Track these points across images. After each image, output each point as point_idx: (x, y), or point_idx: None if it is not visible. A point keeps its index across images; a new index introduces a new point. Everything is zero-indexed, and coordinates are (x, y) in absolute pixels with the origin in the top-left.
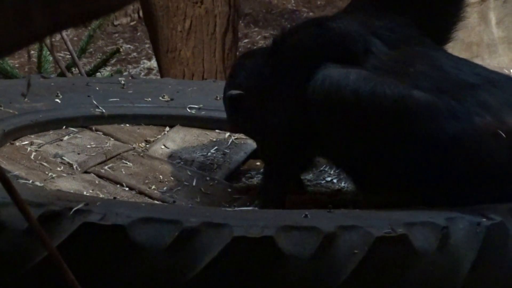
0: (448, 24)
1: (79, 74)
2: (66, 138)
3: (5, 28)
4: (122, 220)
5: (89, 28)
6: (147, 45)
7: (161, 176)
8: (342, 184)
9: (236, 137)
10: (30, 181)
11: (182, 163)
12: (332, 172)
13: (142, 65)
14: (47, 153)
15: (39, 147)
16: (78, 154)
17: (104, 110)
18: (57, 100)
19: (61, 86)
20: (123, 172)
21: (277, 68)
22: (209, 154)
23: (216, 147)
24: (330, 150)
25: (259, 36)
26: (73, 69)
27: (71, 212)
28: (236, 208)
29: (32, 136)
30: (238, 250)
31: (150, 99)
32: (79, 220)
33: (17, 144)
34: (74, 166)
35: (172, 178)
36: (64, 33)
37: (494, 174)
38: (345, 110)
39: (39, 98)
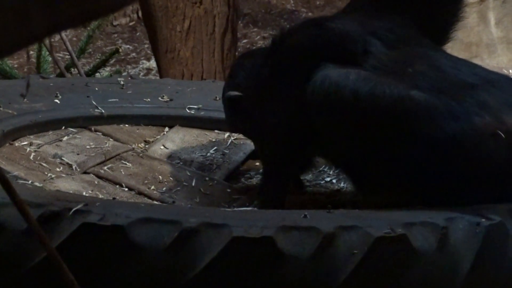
0: (447, 24)
1: (78, 75)
2: (65, 138)
3: (5, 29)
4: (121, 221)
5: (88, 28)
6: (146, 46)
7: (160, 177)
8: (342, 185)
9: (235, 137)
10: (29, 182)
11: (181, 163)
12: (331, 173)
13: (141, 66)
14: (46, 154)
15: (38, 148)
16: (78, 154)
17: (103, 111)
18: (56, 100)
19: (60, 86)
20: (123, 173)
21: (276, 68)
22: (208, 154)
23: (215, 148)
24: (329, 150)
25: (258, 37)
26: (72, 69)
27: (71, 212)
28: (235, 209)
29: (31, 136)
30: (238, 250)
31: (149, 99)
32: (78, 221)
33: (17, 144)
34: (73, 167)
35: (171, 178)
36: (63, 33)
37: (493, 174)
38: (345, 110)
39: (38, 98)
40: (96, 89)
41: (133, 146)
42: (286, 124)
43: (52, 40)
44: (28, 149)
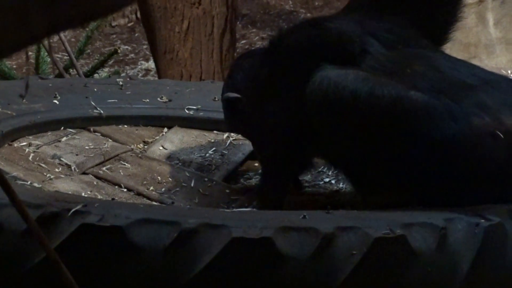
0: (445, 24)
1: (77, 75)
2: (64, 139)
3: (5, 29)
4: (120, 221)
5: (87, 29)
6: (144, 46)
7: (159, 177)
8: (341, 185)
9: (234, 138)
10: (28, 182)
11: (180, 164)
12: (330, 173)
13: (139, 66)
14: (45, 154)
15: (37, 148)
16: (76, 155)
17: (102, 111)
18: (55, 101)
19: (59, 87)
20: (121, 173)
21: (275, 69)
22: (207, 155)
23: (214, 148)
24: (329, 151)
25: (257, 37)
26: (71, 70)
27: (70, 213)
28: (234, 209)
29: (30, 137)
30: (237, 251)
31: (148, 100)
32: (77, 221)
33: (15, 145)
34: (72, 167)
35: (170, 179)
36: (62, 34)
37: (492, 174)
38: (343, 111)
39: (37, 99)
40: (95, 89)
41: (132, 147)
42: (285, 124)
43: (51, 40)
44: (27, 149)
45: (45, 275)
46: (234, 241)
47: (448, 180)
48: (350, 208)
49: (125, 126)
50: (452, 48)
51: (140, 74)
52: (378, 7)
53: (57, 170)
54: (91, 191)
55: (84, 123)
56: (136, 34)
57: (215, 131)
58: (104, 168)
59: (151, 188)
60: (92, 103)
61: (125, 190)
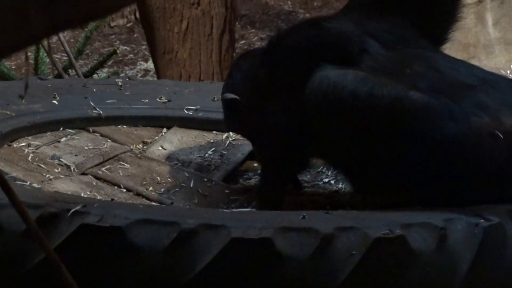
0: (444, 25)
1: (76, 76)
2: (63, 139)
3: (4, 30)
4: (119, 222)
5: (86, 29)
6: (143, 47)
7: (158, 178)
8: (340, 185)
9: (233, 138)
10: (28, 183)
11: (179, 164)
12: (329, 173)
13: (138, 67)
14: (44, 155)
15: (37, 149)
16: (76, 155)
17: (101, 112)
18: (54, 101)
19: (58, 87)
20: (121, 174)
21: (274, 69)
22: (206, 155)
23: (213, 149)
24: (328, 151)
25: (256, 38)
26: (70, 70)
27: (69, 213)
28: (233, 210)
29: (30, 137)
30: (236, 251)
31: (147, 100)
32: (77, 222)
33: (15, 145)
34: (72, 168)
35: (169, 179)
36: (61, 34)
37: (492, 174)
38: (343, 111)
39: (36, 99)
40: (94, 90)
41: (131, 147)
42: (285, 125)
43: (50, 41)
44: (26, 150)
45: (45, 275)
46: (233, 241)
47: (447, 180)
48: (349, 208)
49: (124, 126)
50: (451, 48)
51: (139, 75)
52: (377, 7)
53: (56, 170)
54: (90, 192)
55: (83, 123)
56: (135, 35)
57: (214, 132)
58: (103, 169)
59: (151, 188)
60: (91, 103)
61: (125, 190)
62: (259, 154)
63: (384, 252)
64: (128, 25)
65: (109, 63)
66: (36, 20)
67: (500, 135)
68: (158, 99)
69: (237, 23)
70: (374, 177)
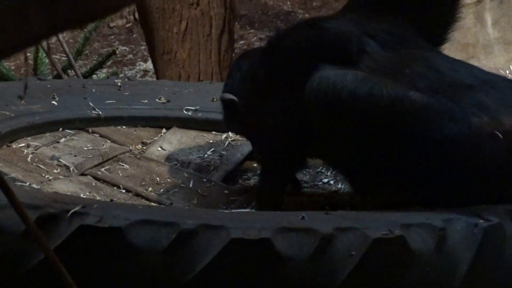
0: (444, 25)
1: (75, 76)
2: (62, 140)
3: (4, 30)
4: (119, 222)
5: (85, 30)
6: (143, 47)
7: (157, 178)
8: (339, 186)
9: (232, 138)
10: (27, 184)
11: (178, 165)
12: (329, 174)
13: (138, 67)
14: (43, 155)
15: (36, 149)
16: (75, 156)
17: (100, 112)
18: (54, 102)
19: (57, 88)
20: (120, 174)
21: (273, 69)
22: (205, 155)
23: (212, 149)
24: (327, 151)
25: (255, 38)
26: (69, 71)
27: (68, 214)
28: (233, 210)
29: (29, 138)
30: (235, 252)
31: (146, 101)
32: (76, 223)
33: (14, 146)
34: (71, 168)
35: (169, 180)
36: (60, 35)
37: (491, 175)
38: (342, 111)
39: (36, 100)
40: (93, 90)
41: (130, 148)
42: (284, 125)
43: (49, 42)
44: (25, 151)
45: (44, 276)
46: (232, 242)
47: (447, 180)
48: (349, 209)
49: (124, 127)
50: (450, 48)
51: (138, 75)
52: (377, 8)
53: (55, 171)
54: (89, 192)
55: (83, 124)
56: (134, 35)
57: (213, 132)
58: (102, 169)
59: (150, 189)
60: (91, 104)
61: (124, 191)
62: (258, 154)
63: (383, 252)
64: (127, 25)
65: (108, 63)
66: (36, 20)
67: (500, 135)
68: (157, 100)
69: (236, 23)
70: (374, 178)
